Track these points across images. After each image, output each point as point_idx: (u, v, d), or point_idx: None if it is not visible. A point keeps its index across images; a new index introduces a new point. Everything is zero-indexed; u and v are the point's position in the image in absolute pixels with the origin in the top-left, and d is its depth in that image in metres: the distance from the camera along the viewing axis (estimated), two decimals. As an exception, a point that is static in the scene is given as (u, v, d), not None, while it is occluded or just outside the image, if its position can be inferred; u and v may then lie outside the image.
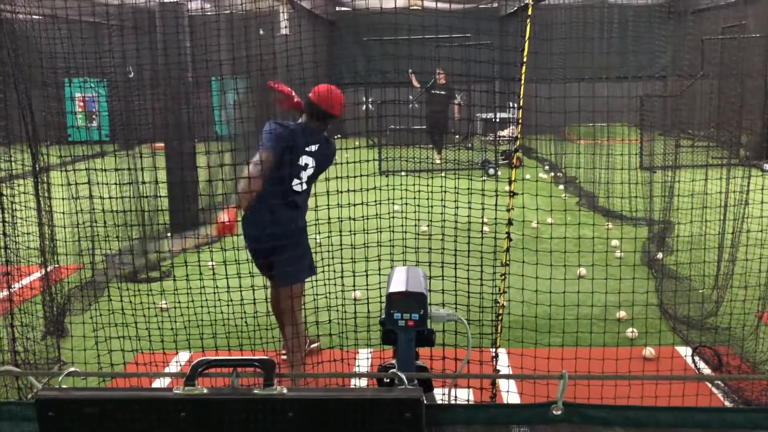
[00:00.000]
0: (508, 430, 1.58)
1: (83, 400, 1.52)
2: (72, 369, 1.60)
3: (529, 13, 4.22)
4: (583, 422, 1.56)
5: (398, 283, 2.47)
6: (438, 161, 14.49)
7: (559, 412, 1.56)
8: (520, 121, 4.41)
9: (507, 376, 3.59)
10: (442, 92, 14.95)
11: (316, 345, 5.30)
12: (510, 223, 4.06)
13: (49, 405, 1.51)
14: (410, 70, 14.58)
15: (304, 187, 4.75)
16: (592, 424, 1.56)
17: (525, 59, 4.13)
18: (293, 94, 4.91)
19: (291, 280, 4.74)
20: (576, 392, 3.86)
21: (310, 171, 4.72)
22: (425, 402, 1.49)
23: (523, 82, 4.21)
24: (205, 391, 1.52)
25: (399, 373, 1.55)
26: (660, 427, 1.53)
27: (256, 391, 1.52)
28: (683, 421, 1.52)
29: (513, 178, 4.07)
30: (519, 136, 4.73)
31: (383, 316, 2.41)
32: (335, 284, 4.68)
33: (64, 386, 1.55)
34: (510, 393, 4.66)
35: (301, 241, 4.82)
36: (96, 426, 1.52)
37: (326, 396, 1.53)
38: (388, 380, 2.08)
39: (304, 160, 4.72)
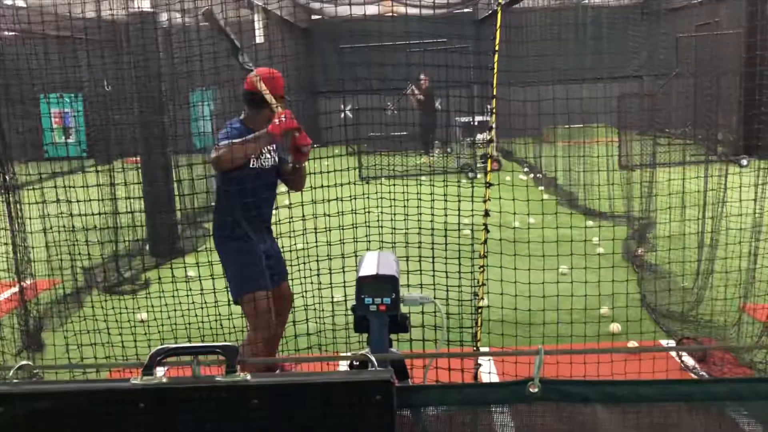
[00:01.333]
0: (485, 411, 1.52)
1: (35, 394, 1.45)
2: (24, 362, 1.52)
3: (498, 19, 4.20)
4: (561, 399, 1.50)
5: (369, 266, 2.39)
6: (426, 161, 14.63)
7: (536, 390, 1.50)
8: (493, 125, 4.40)
9: (483, 354, 3.52)
10: (429, 96, 15.14)
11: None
12: (487, 214, 4.01)
13: (-1, 400, 1.43)
14: (410, 84, 14.72)
15: (270, 164, 4.46)
16: (571, 401, 1.50)
17: (495, 64, 4.11)
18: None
19: (240, 291, 4.43)
20: (558, 374, 3.79)
21: (271, 158, 4.49)
22: (395, 382, 1.43)
23: (495, 86, 4.18)
24: (164, 380, 1.45)
25: (368, 355, 1.48)
26: (641, 401, 1.48)
27: (218, 379, 1.45)
28: (665, 394, 1.47)
29: (489, 169, 4.03)
30: (494, 138, 4.70)
31: (354, 303, 2.33)
32: (312, 283, 4.60)
33: (15, 380, 1.47)
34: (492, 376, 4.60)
35: (252, 244, 4.41)
36: (51, 420, 1.45)
37: (292, 381, 1.46)
38: (358, 364, 2.01)
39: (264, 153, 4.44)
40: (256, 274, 4.37)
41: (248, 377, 1.45)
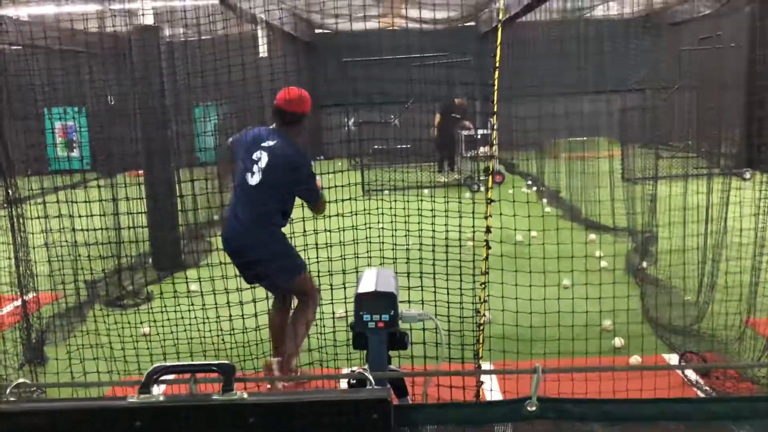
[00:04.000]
0: (486, 430, 1.51)
1: (31, 412, 1.44)
2: (21, 380, 1.52)
3: (498, 36, 4.21)
4: (559, 418, 1.49)
5: (367, 283, 2.39)
6: (442, 179, 14.63)
7: (534, 408, 1.49)
8: (494, 141, 4.43)
9: (483, 372, 3.50)
10: (458, 115, 15.12)
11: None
12: (488, 230, 4.01)
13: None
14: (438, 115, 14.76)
15: (257, 180, 4.70)
16: (569, 419, 1.49)
17: (496, 81, 4.12)
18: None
19: (285, 282, 4.71)
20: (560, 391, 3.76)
21: (263, 164, 4.69)
22: (393, 401, 1.42)
23: (495, 102, 4.20)
24: (162, 398, 1.45)
25: (366, 373, 1.48)
26: (639, 420, 1.47)
27: (215, 397, 1.44)
28: (663, 413, 1.46)
29: (490, 185, 4.03)
30: (495, 154, 4.71)
31: (353, 320, 2.33)
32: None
33: (12, 399, 1.47)
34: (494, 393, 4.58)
35: (276, 239, 4.78)
36: (46, 439, 1.44)
37: (289, 399, 1.46)
38: (355, 381, 2.00)
39: (258, 154, 4.74)
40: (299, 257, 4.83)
41: (245, 395, 1.44)
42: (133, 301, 7.44)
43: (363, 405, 1.42)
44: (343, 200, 4.58)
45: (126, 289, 7.70)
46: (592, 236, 9.25)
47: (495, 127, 4.23)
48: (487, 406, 1.53)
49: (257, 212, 4.63)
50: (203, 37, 8.38)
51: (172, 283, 7.31)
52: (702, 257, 6.13)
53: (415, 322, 2.50)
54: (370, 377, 1.47)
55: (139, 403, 1.43)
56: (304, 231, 4.57)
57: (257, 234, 4.62)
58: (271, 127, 4.91)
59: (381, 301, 2.33)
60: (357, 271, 4.29)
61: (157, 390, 1.47)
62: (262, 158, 4.69)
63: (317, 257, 4.69)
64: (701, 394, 4.75)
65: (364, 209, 4.70)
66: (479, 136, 14.54)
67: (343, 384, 2.24)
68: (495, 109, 4.17)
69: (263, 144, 4.74)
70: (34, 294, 6.17)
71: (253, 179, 4.66)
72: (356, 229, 4.50)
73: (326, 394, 1.46)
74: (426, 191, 10.22)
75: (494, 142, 4.25)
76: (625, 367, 4.19)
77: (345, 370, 5.11)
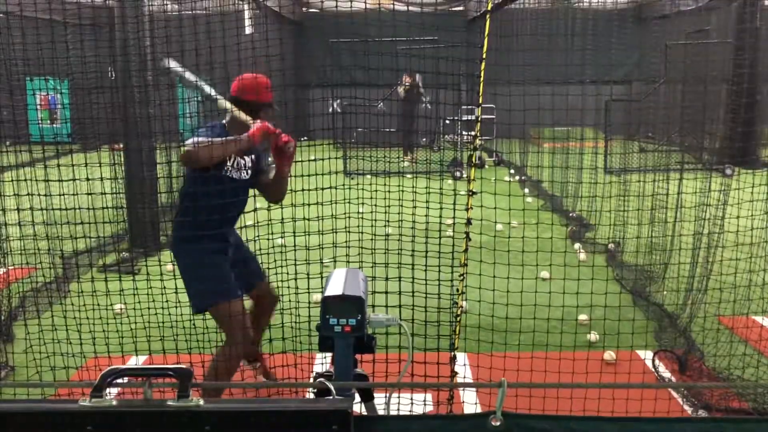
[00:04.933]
0: None
1: (-22, 414, 1.39)
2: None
3: (486, 27, 4.15)
4: (523, 433, 1.46)
5: (335, 285, 2.34)
6: (407, 163, 14.47)
7: (498, 423, 1.46)
8: (478, 133, 4.39)
9: (443, 385, 3.48)
10: (414, 93, 15.00)
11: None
12: (469, 222, 3.97)
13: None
14: (404, 74, 14.59)
15: (244, 177, 4.34)
16: (533, 436, 1.46)
17: (482, 72, 4.06)
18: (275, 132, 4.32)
19: (204, 303, 4.27)
20: (532, 394, 3.77)
21: (248, 168, 4.37)
22: (353, 413, 1.38)
23: (481, 93, 4.14)
24: (114, 402, 1.40)
25: (326, 382, 1.44)
26: (605, 438, 1.44)
27: (169, 403, 1.40)
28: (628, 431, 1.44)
29: (472, 177, 3.99)
30: (477, 135, 4.65)
31: (319, 322, 2.28)
32: (288, 287, 4.54)
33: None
34: (470, 395, 4.58)
35: (217, 249, 4.29)
36: (-7, 442, 1.39)
37: (247, 408, 1.42)
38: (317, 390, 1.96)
39: (242, 162, 4.33)
40: (222, 281, 4.22)
41: (201, 402, 1.40)
42: (123, 267, 7.35)
43: (323, 416, 1.39)
44: (324, 188, 4.49)
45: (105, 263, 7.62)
46: (573, 228, 9.27)
47: (479, 118, 4.17)
48: (451, 419, 1.50)
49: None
50: (187, 12, 8.26)
51: (144, 264, 7.25)
52: (669, 246, 6.27)
53: (383, 327, 2.44)
54: (331, 387, 1.43)
55: (91, 406, 1.39)
56: (282, 219, 4.50)
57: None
58: (224, 122, 4.41)
59: (348, 305, 2.27)
60: (334, 262, 4.25)
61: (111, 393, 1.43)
62: (247, 164, 4.34)
63: (294, 245, 4.64)
64: (673, 393, 4.77)
65: (345, 199, 4.63)
66: (463, 120, 14.48)
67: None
68: (480, 101, 4.12)
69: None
70: (4, 270, 6.08)
71: (240, 174, 4.33)
72: (335, 218, 4.44)
73: (286, 403, 1.43)
74: (408, 175, 10.18)
75: (478, 134, 4.20)
76: (595, 384, 4.22)
77: (319, 356, 5.07)
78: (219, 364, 4.22)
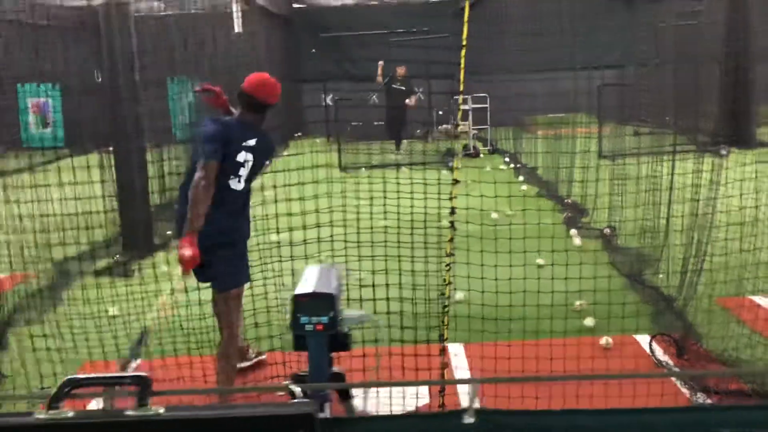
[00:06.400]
0: None
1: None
2: None
3: (466, 14, 4.10)
4: (496, 429, 1.42)
5: (306, 283, 2.29)
6: (400, 155, 14.42)
7: (472, 420, 1.41)
8: (459, 122, 4.34)
9: (414, 383, 3.43)
10: (402, 87, 14.86)
11: (263, 357, 5.02)
12: (452, 212, 3.92)
13: None
14: (381, 62, 14.47)
15: (243, 185, 4.32)
16: (507, 431, 1.41)
17: (462, 60, 4.02)
18: (221, 92, 4.64)
19: (228, 285, 4.45)
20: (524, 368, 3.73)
21: (248, 167, 4.38)
22: (318, 415, 1.34)
23: (462, 81, 4.10)
24: (71, 414, 1.35)
25: (291, 386, 1.39)
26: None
27: (128, 413, 1.35)
28: (604, 424, 1.39)
29: (457, 166, 3.94)
30: (461, 123, 4.60)
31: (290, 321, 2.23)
32: (275, 284, 4.50)
33: None
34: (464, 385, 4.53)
35: (239, 245, 4.37)
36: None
37: (208, 415, 1.37)
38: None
39: (243, 156, 4.28)
40: (247, 266, 4.38)
41: (160, 410, 1.35)
42: (121, 270, 7.30)
43: (287, 420, 1.34)
44: (317, 182, 4.45)
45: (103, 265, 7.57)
46: (568, 213, 9.23)
47: (461, 107, 4.13)
48: (421, 417, 1.46)
49: (243, 216, 4.45)
50: (175, 12, 8.21)
51: (138, 268, 7.21)
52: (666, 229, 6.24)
53: (356, 324, 2.39)
54: (297, 390, 1.39)
55: (46, 419, 1.34)
56: (276, 214, 4.46)
57: (229, 233, 4.44)
58: (234, 116, 4.48)
59: (319, 303, 2.21)
60: (333, 255, 4.20)
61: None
62: (248, 161, 4.30)
63: (279, 242, 4.59)
64: (673, 377, 4.73)
65: (338, 191, 4.60)
66: (455, 108, 14.43)
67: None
68: (461, 89, 4.07)
69: (245, 144, 4.30)
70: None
71: (238, 185, 4.28)
72: (319, 213, 4.40)
73: (249, 409, 1.38)
74: (404, 168, 10.13)
75: (459, 122, 4.15)
76: (577, 377, 4.17)
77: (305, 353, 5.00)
78: (225, 366, 4.23)
